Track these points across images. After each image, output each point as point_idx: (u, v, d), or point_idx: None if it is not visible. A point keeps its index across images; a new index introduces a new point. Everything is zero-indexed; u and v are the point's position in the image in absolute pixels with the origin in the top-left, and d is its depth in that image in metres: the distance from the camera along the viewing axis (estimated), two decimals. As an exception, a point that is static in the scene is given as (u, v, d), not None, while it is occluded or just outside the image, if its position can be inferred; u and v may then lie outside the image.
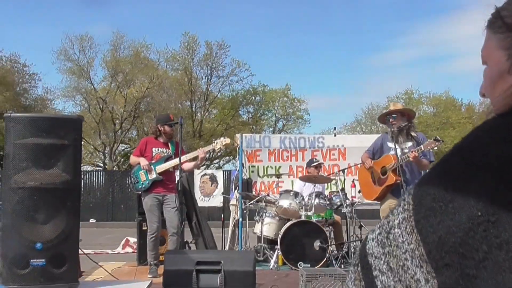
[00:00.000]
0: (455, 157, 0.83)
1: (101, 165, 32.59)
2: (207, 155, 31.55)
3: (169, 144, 7.14)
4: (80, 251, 4.72)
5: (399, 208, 0.84)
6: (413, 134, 6.41)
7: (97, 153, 33.53)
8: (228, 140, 7.33)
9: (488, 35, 0.92)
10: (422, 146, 5.99)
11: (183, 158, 6.70)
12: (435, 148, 5.97)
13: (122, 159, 32.77)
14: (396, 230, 0.82)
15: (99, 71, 39.39)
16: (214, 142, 7.27)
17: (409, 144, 6.29)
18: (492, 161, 0.77)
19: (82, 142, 4.97)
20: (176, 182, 7.03)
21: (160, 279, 5.38)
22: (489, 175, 0.76)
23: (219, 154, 33.16)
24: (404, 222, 0.82)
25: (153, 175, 6.87)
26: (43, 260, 4.07)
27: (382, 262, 0.83)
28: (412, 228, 0.80)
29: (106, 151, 32.41)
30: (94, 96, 30.79)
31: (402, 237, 0.81)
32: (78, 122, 4.57)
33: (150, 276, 6.53)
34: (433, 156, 6.50)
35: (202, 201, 14.80)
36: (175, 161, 6.87)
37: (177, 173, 6.92)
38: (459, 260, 0.74)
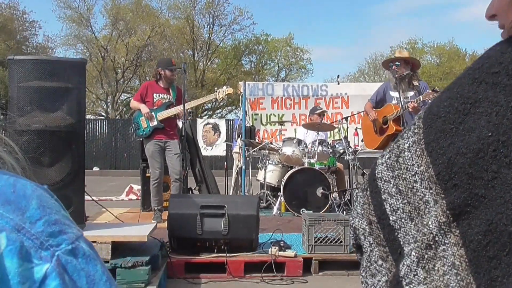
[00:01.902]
0: (466, 78, 0.81)
1: (104, 114, 32.58)
2: (209, 104, 31.60)
3: (170, 89, 7.06)
4: (85, 196, 4.75)
5: (409, 132, 0.83)
6: (415, 83, 6.33)
7: (99, 102, 33.49)
8: (230, 90, 7.27)
9: None
10: (421, 96, 5.94)
11: (182, 107, 6.68)
12: None
13: (125, 108, 32.72)
14: (406, 153, 0.82)
15: (99, 19, 38.97)
16: (216, 91, 7.22)
17: (411, 93, 6.24)
18: (503, 80, 0.76)
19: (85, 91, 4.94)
20: (180, 128, 7.02)
21: (164, 224, 5.43)
22: (500, 94, 0.75)
23: (221, 104, 33.10)
24: (414, 145, 0.81)
25: (154, 122, 6.81)
26: (50, 202, 4.10)
27: (391, 185, 0.83)
28: (422, 150, 0.80)
29: (108, 100, 32.37)
30: (95, 44, 30.52)
31: (412, 160, 0.81)
32: (81, 65, 4.52)
33: (154, 221, 6.60)
34: None
35: (205, 150, 14.86)
36: (176, 109, 6.83)
37: (179, 120, 6.91)
38: (468, 180, 0.74)
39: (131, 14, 30.40)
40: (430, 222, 0.77)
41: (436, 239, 0.76)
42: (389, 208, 0.83)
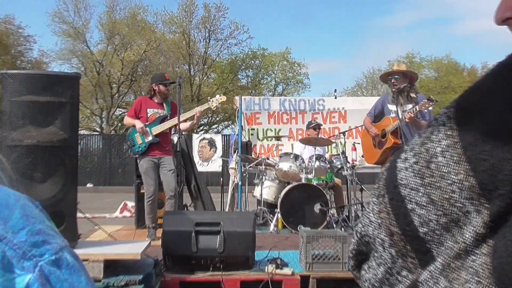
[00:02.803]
0: (501, 75, 0.75)
1: (98, 129, 32.56)
2: (205, 119, 31.64)
3: (164, 104, 7.05)
4: (77, 213, 4.72)
5: (439, 134, 0.76)
6: (412, 95, 6.35)
7: (94, 117, 33.48)
8: (224, 98, 7.26)
9: None
10: (417, 106, 5.96)
11: (180, 117, 6.68)
12: (430, 108, 5.94)
13: (120, 124, 32.70)
14: (439, 158, 0.74)
15: (95, 34, 39.10)
16: (210, 101, 7.21)
17: (409, 106, 6.24)
18: None
19: (79, 106, 4.91)
20: (175, 143, 7.00)
21: (158, 242, 5.39)
22: None
23: (217, 118, 33.17)
24: (449, 149, 0.74)
25: (149, 138, 6.79)
26: (41, 219, 4.05)
27: (421, 194, 0.75)
28: (460, 156, 0.73)
29: (103, 115, 32.36)
30: (90, 59, 30.60)
31: (448, 166, 0.73)
32: (75, 79, 4.51)
33: (149, 239, 6.55)
34: (433, 117, 6.46)
35: (200, 166, 14.83)
36: (171, 122, 6.83)
37: (175, 135, 6.90)
38: None
39: (127, 29, 30.55)
40: (466, 231, 0.72)
41: (468, 249, 0.71)
42: (418, 220, 0.76)
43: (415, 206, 0.76)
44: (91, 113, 32.82)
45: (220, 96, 7.27)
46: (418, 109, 5.92)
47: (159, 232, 6.07)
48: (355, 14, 58.21)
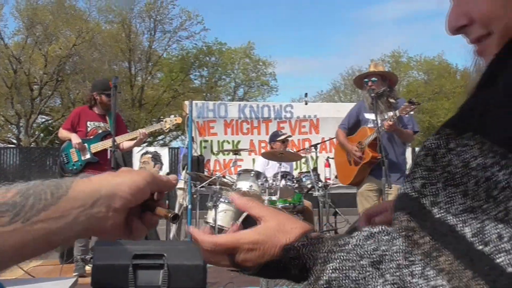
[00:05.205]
0: None
1: (15, 141, 32.06)
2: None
3: (107, 116, 7.12)
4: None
5: None
6: (392, 100, 6.43)
7: (9, 126, 32.94)
8: (179, 119, 7.44)
9: None
10: (397, 111, 6.06)
11: (121, 138, 6.83)
12: (412, 112, 6.04)
13: (42, 134, 32.26)
14: None
15: (10, 22, 38.48)
16: (163, 121, 7.43)
17: (390, 113, 6.31)
18: None
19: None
20: (109, 158, 7.01)
21: (88, 279, 5.36)
22: None
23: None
24: None
25: (87, 155, 6.91)
26: None
27: None
28: None
29: (20, 124, 31.86)
30: (4, 53, 30.13)
31: None
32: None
33: (76, 274, 6.51)
34: (416, 125, 6.61)
35: (142, 186, 14.81)
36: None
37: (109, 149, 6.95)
38: None
39: (51, 17, 30.22)
40: None
41: None
42: None
43: None
44: (6, 121, 32.29)
45: (175, 116, 7.42)
46: (398, 114, 6.02)
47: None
48: (334, 5, 58.83)
